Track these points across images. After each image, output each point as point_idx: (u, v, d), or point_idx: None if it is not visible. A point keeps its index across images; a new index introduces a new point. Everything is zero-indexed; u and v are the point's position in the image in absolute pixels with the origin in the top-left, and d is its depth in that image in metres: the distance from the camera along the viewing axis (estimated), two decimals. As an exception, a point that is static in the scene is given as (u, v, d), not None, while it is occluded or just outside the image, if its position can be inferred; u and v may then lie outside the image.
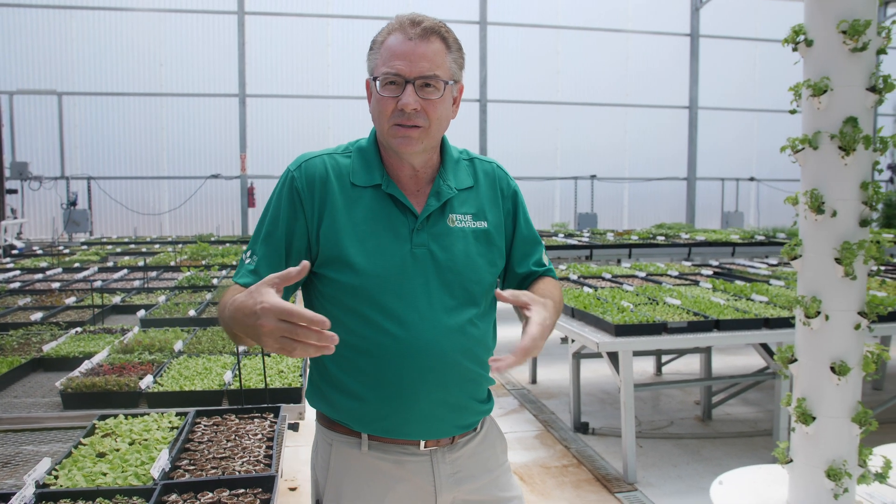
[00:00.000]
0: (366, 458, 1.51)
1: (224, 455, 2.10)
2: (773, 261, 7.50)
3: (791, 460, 2.83)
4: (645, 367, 6.52)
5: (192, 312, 4.25)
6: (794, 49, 2.75)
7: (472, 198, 1.58)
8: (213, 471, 1.98)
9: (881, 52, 2.68)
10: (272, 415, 2.49)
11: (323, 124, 12.84)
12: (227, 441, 2.22)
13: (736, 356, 6.99)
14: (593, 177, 14.28)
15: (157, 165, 12.38)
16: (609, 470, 4.25)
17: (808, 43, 2.68)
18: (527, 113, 13.99)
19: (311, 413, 4.54)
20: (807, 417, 2.72)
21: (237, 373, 2.98)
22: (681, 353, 6.31)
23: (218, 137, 12.41)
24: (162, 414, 2.45)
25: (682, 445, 4.73)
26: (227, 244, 9.08)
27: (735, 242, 8.15)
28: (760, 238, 8.53)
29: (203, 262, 6.86)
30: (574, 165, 14.31)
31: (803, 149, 2.72)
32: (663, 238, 8.65)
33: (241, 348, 3.39)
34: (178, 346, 3.40)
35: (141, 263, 6.80)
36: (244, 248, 7.45)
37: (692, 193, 15.13)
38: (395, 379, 1.45)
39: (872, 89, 2.61)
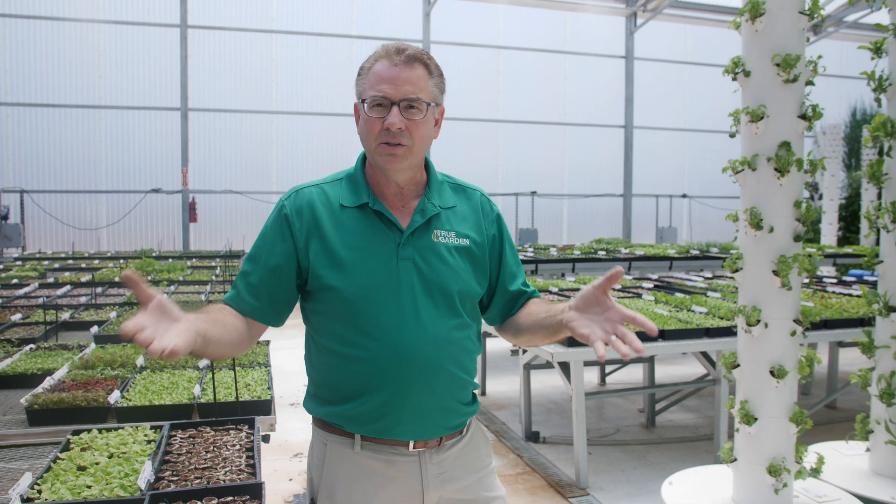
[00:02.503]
0: (358, 457, 1.61)
1: (206, 465, 2.15)
2: (709, 274, 7.87)
3: (735, 459, 3.04)
4: (589, 377, 6.75)
5: (147, 328, 4.23)
6: (734, 78, 2.99)
7: (456, 217, 1.70)
8: (197, 481, 2.03)
9: (809, 83, 2.94)
10: (247, 426, 2.54)
11: (266, 139, 12.78)
12: (207, 452, 2.26)
13: (674, 365, 7.29)
14: (534, 193, 14.62)
15: (95, 179, 12.06)
16: (561, 476, 4.41)
17: (746, 73, 2.92)
18: (469, 130, 14.23)
19: (281, 424, 4.54)
20: (749, 418, 2.93)
21: (205, 386, 3.02)
22: (623, 363, 6.56)
23: (159, 151, 12.19)
24: (136, 428, 2.47)
25: (628, 451, 4.93)
26: (171, 259, 8.95)
27: (672, 257, 8.51)
28: (695, 252, 8.92)
29: (149, 278, 6.78)
30: (515, 182, 14.63)
31: (743, 170, 2.95)
32: (604, 253, 8.96)
33: (205, 362, 3.41)
34: (140, 361, 3.40)
35: (85, 279, 6.66)
36: (188, 263, 7.29)
37: (628, 209, 15.65)
38: (386, 384, 1.56)
39: (803, 117, 2.87)
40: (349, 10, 13.13)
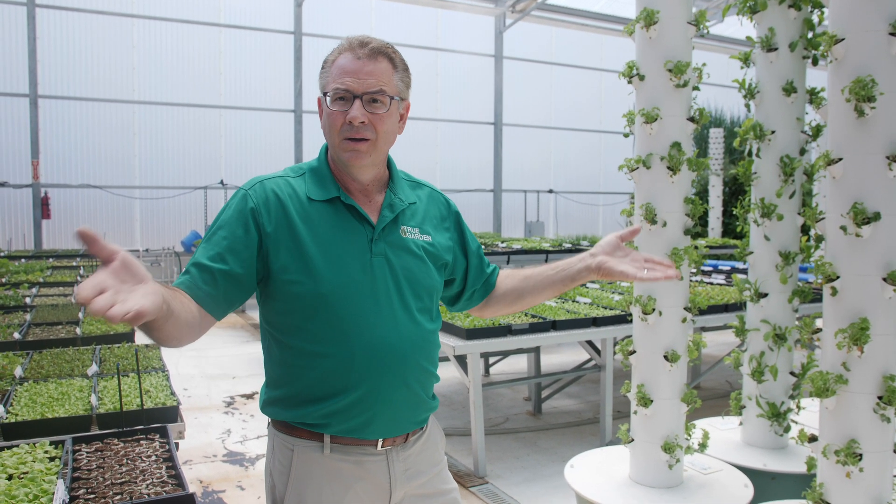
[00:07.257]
0: (327, 460, 1.58)
1: (123, 480, 2.02)
2: (582, 266, 8.26)
3: (632, 440, 3.24)
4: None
5: (16, 335, 3.89)
6: (629, 82, 3.17)
7: (417, 213, 1.72)
8: (117, 497, 1.91)
9: (695, 88, 3.17)
10: (158, 435, 2.41)
11: (128, 130, 11.97)
12: (121, 465, 2.12)
13: (554, 354, 7.62)
14: (408, 188, 14.69)
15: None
16: (459, 467, 4.50)
17: (641, 77, 3.10)
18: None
19: (190, 432, 4.31)
20: (646, 401, 3.13)
21: (101, 395, 2.82)
22: (506, 353, 6.77)
23: (5, 141, 11.06)
24: (34, 445, 2.27)
25: (519, 439, 5.11)
26: (23, 259, 8.21)
27: (548, 250, 8.87)
28: (568, 246, 9.34)
29: (3, 280, 6.20)
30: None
31: (638, 168, 3.14)
32: (483, 247, 9.18)
33: (93, 370, 3.18)
34: (19, 371, 3.12)
35: (-75, 284, 5.98)
36: (47, 263, 6.70)
37: (498, 204, 16.10)
38: (362, 381, 1.54)
39: (692, 119, 3.09)
40: (216, -1, 12.59)
